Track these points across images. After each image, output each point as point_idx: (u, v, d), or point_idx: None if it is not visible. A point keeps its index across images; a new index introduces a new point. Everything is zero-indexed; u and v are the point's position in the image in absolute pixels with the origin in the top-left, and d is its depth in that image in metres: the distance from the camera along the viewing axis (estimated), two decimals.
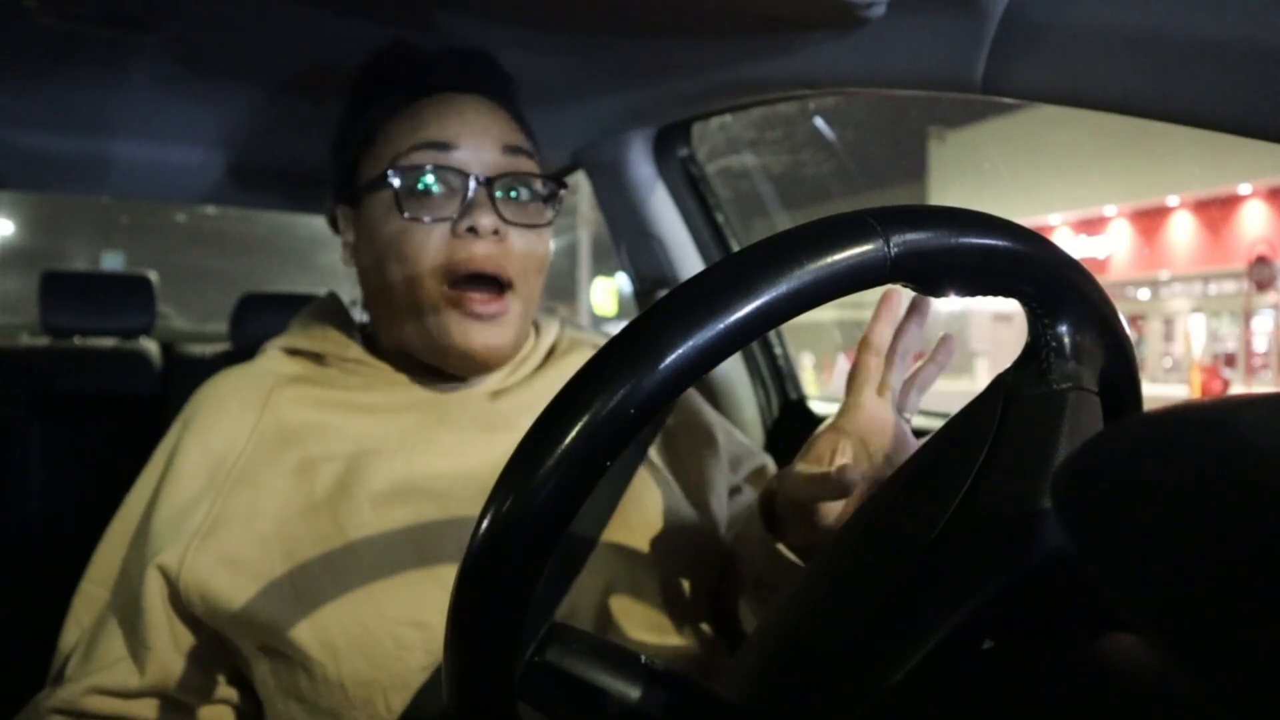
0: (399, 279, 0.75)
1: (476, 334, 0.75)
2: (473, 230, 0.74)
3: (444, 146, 0.75)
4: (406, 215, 0.74)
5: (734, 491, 0.89)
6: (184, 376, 1.64)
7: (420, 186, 0.75)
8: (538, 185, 0.79)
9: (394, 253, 0.75)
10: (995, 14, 0.70)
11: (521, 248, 0.77)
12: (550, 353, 0.87)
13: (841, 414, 0.65)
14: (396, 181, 0.74)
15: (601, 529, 0.75)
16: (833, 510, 0.61)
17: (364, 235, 0.80)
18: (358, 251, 0.82)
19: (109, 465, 1.54)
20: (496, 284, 0.76)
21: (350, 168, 0.81)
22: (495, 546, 0.36)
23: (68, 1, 0.89)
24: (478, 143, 0.76)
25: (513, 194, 0.78)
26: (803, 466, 0.62)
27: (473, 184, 0.75)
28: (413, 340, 0.77)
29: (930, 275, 0.40)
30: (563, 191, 0.82)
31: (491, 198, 0.75)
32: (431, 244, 0.74)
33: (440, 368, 0.79)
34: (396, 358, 0.82)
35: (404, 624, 0.66)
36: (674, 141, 1.36)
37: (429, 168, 0.75)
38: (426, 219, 0.74)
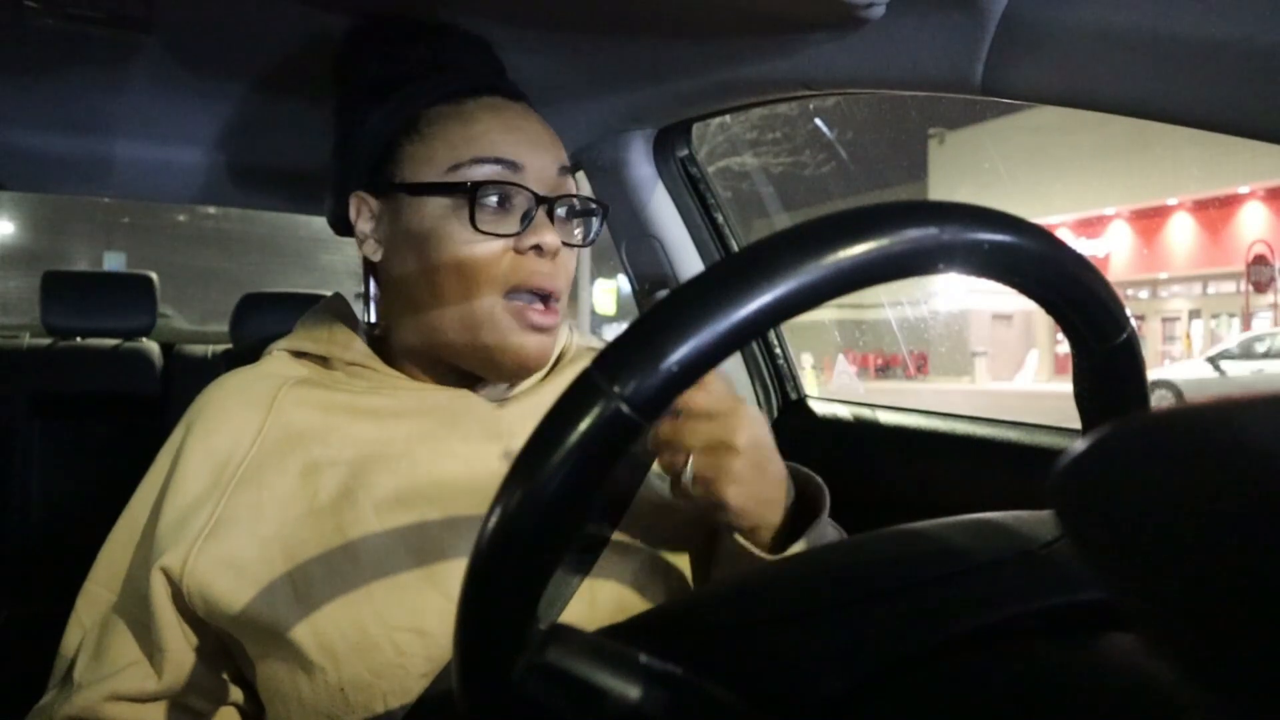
0: (454, 283, 0.75)
1: (533, 343, 0.75)
2: (537, 248, 0.74)
3: (513, 165, 0.75)
4: (479, 228, 0.73)
5: None
6: (185, 377, 1.64)
7: (490, 201, 0.74)
8: (578, 204, 0.80)
9: (451, 261, 0.74)
10: (995, 14, 0.70)
11: (566, 263, 0.78)
12: (559, 359, 0.87)
13: None
14: (471, 192, 0.73)
15: (609, 534, 0.75)
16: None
17: (402, 232, 0.77)
18: (388, 244, 0.79)
19: (110, 465, 1.55)
20: (546, 298, 0.76)
21: (384, 157, 0.79)
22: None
23: (68, 1, 0.89)
24: (541, 162, 0.77)
25: (566, 213, 0.79)
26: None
27: (538, 203, 0.75)
28: (456, 338, 0.76)
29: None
30: (603, 216, 0.83)
31: (551, 217, 0.76)
32: (494, 258, 0.74)
33: (474, 369, 0.78)
34: (407, 359, 0.81)
35: (404, 630, 0.66)
36: (674, 141, 1.36)
37: (500, 184, 0.74)
38: (494, 233, 0.74)
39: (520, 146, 0.76)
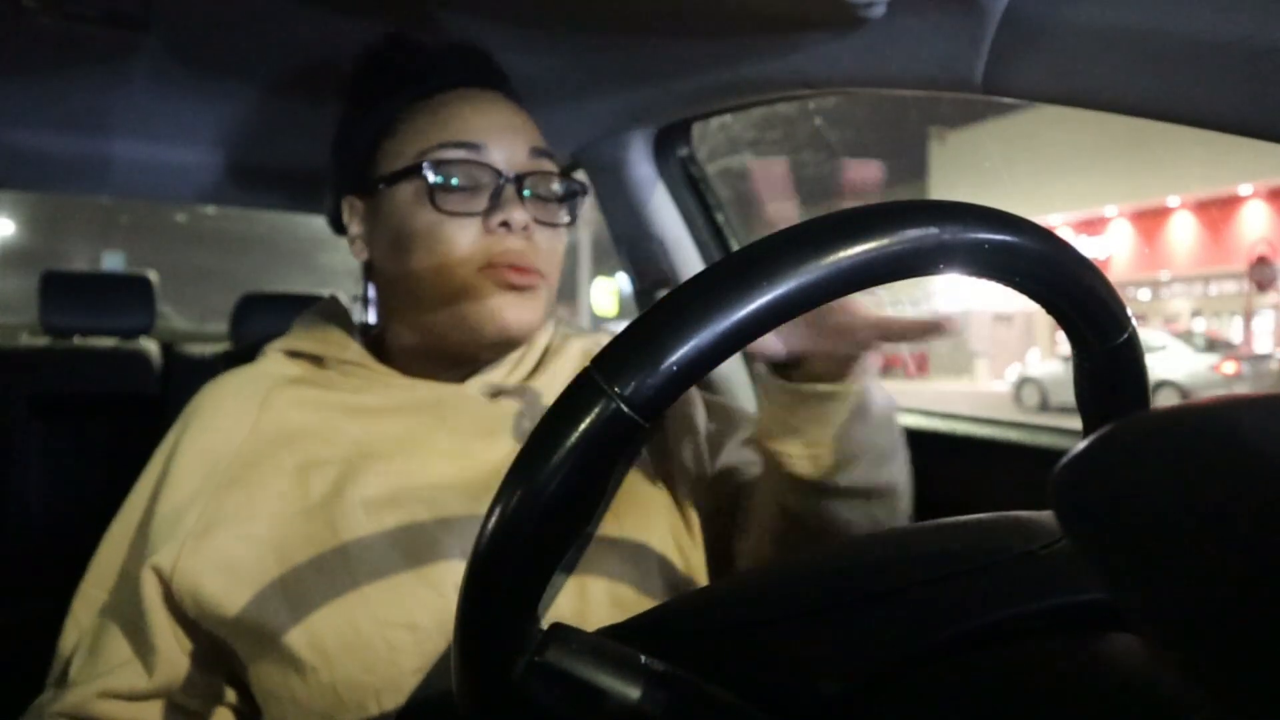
0: (428, 269, 0.76)
1: (511, 307, 0.76)
2: (505, 225, 0.75)
3: (474, 146, 0.76)
4: (440, 208, 0.74)
5: (727, 476, 0.87)
6: (184, 376, 1.64)
7: (453, 181, 0.75)
8: (559, 186, 0.80)
9: (423, 244, 0.75)
10: (995, 14, 0.70)
11: (546, 244, 0.78)
12: (545, 352, 0.87)
13: None
14: (430, 175, 0.75)
15: (599, 528, 0.75)
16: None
17: (381, 226, 0.79)
18: (370, 243, 0.82)
19: (109, 465, 1.55)
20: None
21: (366, 158, 0.81)
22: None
23: (68, 1, 0.89)
24: (507, 142, 0.78)
25: (539, 192, 0.79)
26: None
27: (503, 181, 0.76)
28: (440, 324, 0.77)
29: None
30: (582, 196, 0.83)
31: (520, 195, 0.77)
32: (464, 237, 0.75)
33: (460, 344, 0.79)
34: (401, 357, 0.82)
35: (396, 626, 0.66)
36: (674, 141, 1.36)
37: (460, 163, 0.75)
38: (459, 212, 0.75)
39: (484, 129, 0.77)
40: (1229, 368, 11.75)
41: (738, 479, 0.87)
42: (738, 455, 0.89)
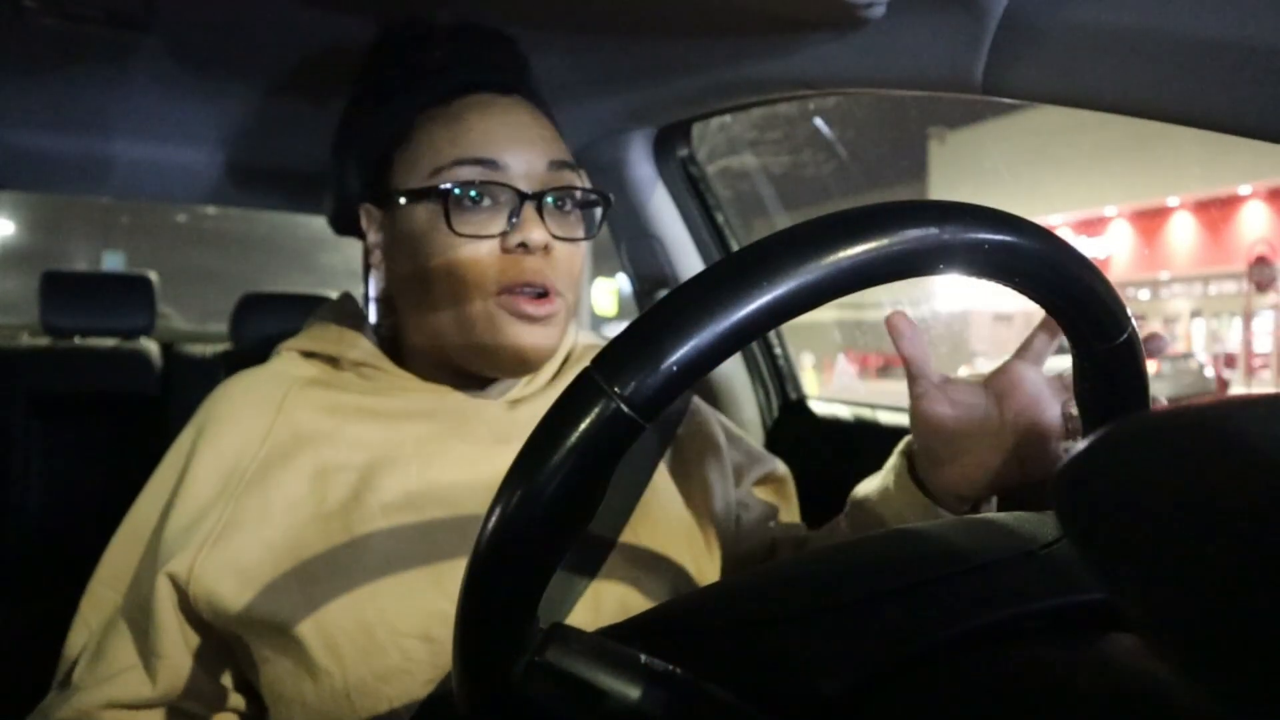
0: (445, 287, 0.74)
1: (527, 335, 0.74)
2: (524, 245, 0.73)
3: (492, 164, 0.74)
4: (456, 231, 0.73)
5: (742, 507, 0.88)
6: (184, 377, 1.64)
7: (469, 200, 0.73)
8: (579, 196, 0.79)
9: (441, 263, 0.74)
10: (995, 14, 0.70)
11: (565, 258, 0.76)
12: (565, 360, 0.87)
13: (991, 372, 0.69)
14: (445, 195, 0.73)
15: (615, 537, 0.75)
16: (969, 454, 0.66)
17: (398, 239, 0.78)
18: (388, 253, 0.80)
19: (109, 465, 1.54)
20: (543, 290, 0.75)
21: (380, 167, 0.79)
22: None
23: (68, 1, 0.89)
24: (526, 155, 0.75)
25: (559, 205, 0.77)
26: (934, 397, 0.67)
27: (522, 200, 0.74)
28: (455, 341, 0.76)
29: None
30: (604, 206, 0.81)
31: (540, 212, 0.74)
32: (481, 258, 0.73)
33: (478, 370, 0.78)
34: (417, 360, 0.81)
35: (411, 637, 0.66)
36: (674, 141, 1.36)
37: (478, 184, 0.73)
38: (476, 235, 0.73)
39: (501, 144, 0.75)
40: (1149, 366, 11.91)
41: (754, 514, 0.88)
42: (753, 494, 0.90)
